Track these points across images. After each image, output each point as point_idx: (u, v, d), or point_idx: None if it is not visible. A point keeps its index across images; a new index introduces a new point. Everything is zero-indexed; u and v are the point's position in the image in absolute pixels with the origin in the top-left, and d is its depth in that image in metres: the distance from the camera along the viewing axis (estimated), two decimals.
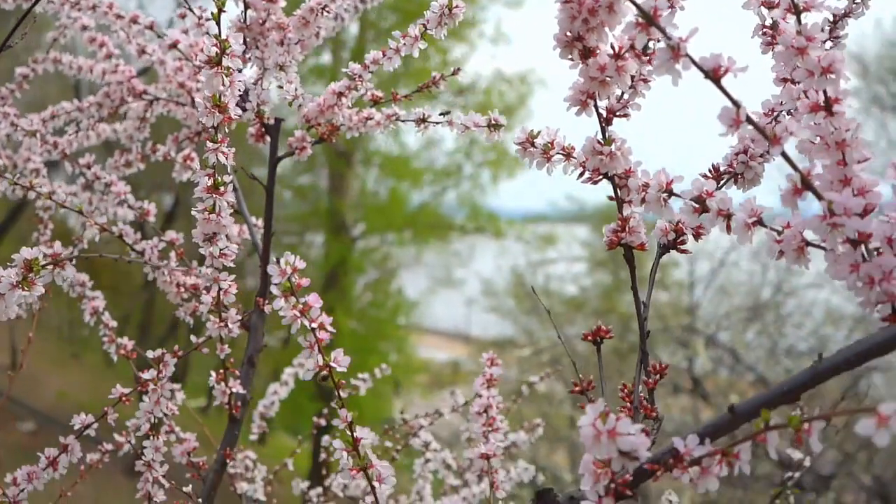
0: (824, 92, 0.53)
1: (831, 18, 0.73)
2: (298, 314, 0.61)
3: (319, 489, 1.34)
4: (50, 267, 0.65)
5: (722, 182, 0.68)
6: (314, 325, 0.61)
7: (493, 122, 0.84)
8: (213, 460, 1.01)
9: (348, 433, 0.64)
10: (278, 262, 0.60)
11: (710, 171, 0.68)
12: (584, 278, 10.18)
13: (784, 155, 0.51)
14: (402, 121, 0.96)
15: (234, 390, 0.96)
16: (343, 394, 0.64)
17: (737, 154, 0.68)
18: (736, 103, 0.50)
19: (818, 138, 0.54)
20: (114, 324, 1.09)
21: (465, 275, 11.61)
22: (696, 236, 0.67)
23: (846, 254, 0.51)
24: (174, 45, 1.02)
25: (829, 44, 0.72)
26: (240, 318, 0.90)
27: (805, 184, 0.51)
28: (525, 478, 1.38)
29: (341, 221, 10.62)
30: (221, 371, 0.95)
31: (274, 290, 0.61)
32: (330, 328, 0.62)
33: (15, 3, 1.16)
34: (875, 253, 0.51)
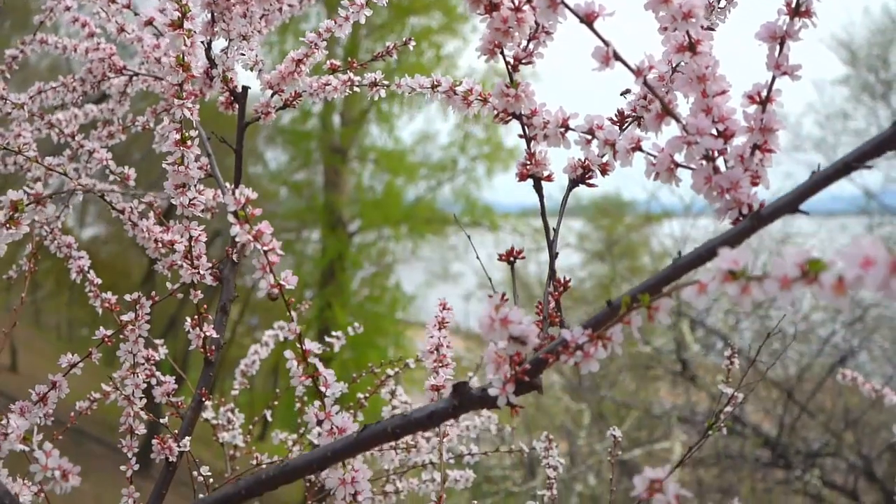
0: (687, 34, 0.62)
1: None
2: (252, 238, 0.70)
3: (295, 436, 1.44)
4: (33, 205, 0.75)
5: (626, 124, 0.77)
6: (266, 248, 0.71)
7: (434, 83, 0.93)
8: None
9: (298, 345, 0.73)
10: (233, 192, 0.69)
11: (615, 114, 0.77)
12: (579, 270, 10.29)
13: (646, 85, 0.60)
14: (358, 86, 1.06)
15: (207, 335, 1.05)
16: (293, 311, 0.74)
17: (639, 99, 0.77)
18: (606, 43, 0.59)
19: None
20: (98, 281, 1.18)
21: (462, 269, 11.69)
22: (603, 172, 0.76)
23: (702, 168, 0.60)
24: (149, 22, 1.11)
25: (723, 2, 0.81)
26: (210, 265, 1.00)
27: (666, 110, 0.60)
28: (492, 427, 1.48)
29: (338, 217, 10.70)
30: (196, 316, 1.04)
31: (230, 217, 0.70)
32: (280, 251, 0.71)
33: None
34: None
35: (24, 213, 0.73)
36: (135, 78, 1.29)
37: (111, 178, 1.19)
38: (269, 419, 1.48)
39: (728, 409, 1.14)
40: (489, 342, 0.61)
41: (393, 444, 1.19)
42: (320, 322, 9.99)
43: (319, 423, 0.73)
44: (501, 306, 0.59)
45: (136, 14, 1.18)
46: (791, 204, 0.56)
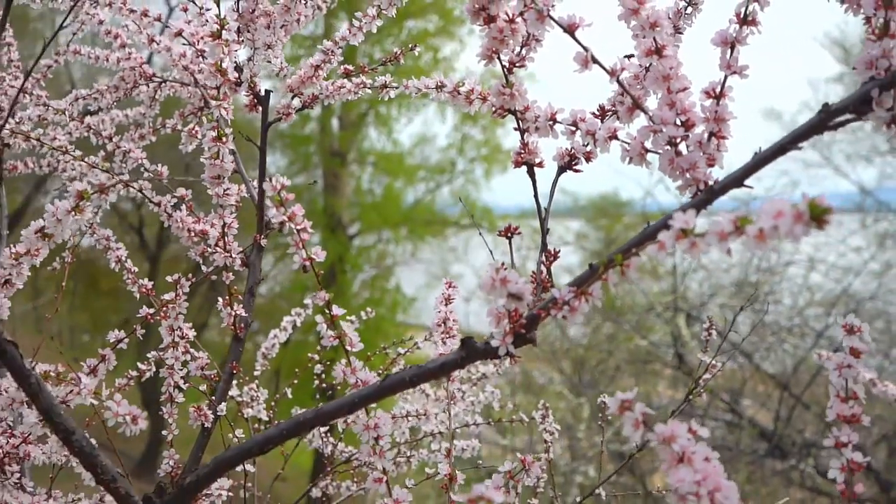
0: (654, 40, 0.74)
1: None
2: (287, 219, 0.82)
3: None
4: (97, 194, 0.86)
5: (606, 117, 0.89)
6: (299, 227, 0.83)
7: (439, 84, 1.05)
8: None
9: (327, 311, 0.85)
10: (270, 179, 0.81)
11: (597, 109, 0.89)
12: (578, 269, 10.40)
13: (619, 83, 0.72)
14: (370, 88, 1.18)
15: (238, 313, 1.17)
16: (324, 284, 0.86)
17: (616, 96, 0.89)
18: (585, 49, 0.71)
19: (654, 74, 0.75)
20: (135, 269, 1.30)
21: (462, 270, 11.79)
22: (587, 159, 0.88)
23: (667, 152, 0.72)
24: (179, 34, 1.23)
25: (689, 9, 0.93)
26: (241, 250, 1.12)
27: (635, 104, 0.72)
28: (494, 404, 1.60)
29: (337, 220, 10.82)
30: (228, 297, 1.16)
31: (268, 202, 0.82)
32: (310, 230, 0.83)
33: (42, 3, 1.37)
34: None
35: (90, 201, 0.85)
36: (163, 84, 1.41)
37: (145, 174, 1.31)
38: (290, 396, 1.60)
39: (707, 376, 1.25)
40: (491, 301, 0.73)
41: (406, 414, 1.31)
42: None
43: (345, 377, 0.85)
44: (501, 269, 0.71)
45: (165, 26, 1.30)
46: (737, 180, 0.68)
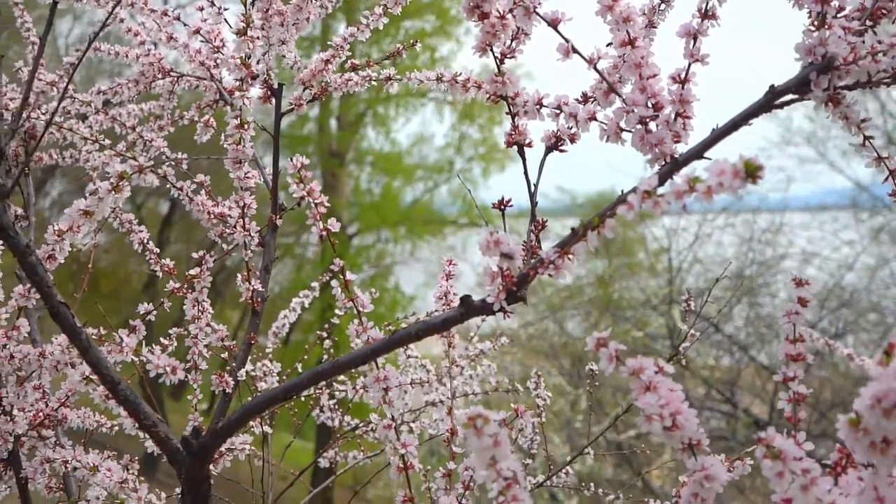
0: (627, 33, 0.85)
1: None
2: (306, 194, 0.93)
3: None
4: (136, 174, 0.97)
5: (588, 103, 0.99)
6: (316, 201, 0.93)
7: (439, 76, 1.15)
8: None
9: (341, 276, 0.96)
10: (291, 158, 0.92)
11: (581, 95, 1.00)
12: (576, 268, 10.50)
13: (596, 70, 0.82)
14: (374, 81, 1.28)
15: (255, 288, 1.28)
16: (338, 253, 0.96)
17: (597, 83, 0.99)
18: (566, 40, 0.82)
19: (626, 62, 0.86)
20: (157, 250, 1.40)
21: (461, 268, 11.89)
22: (571, 140, 0.98)
23: (638, 130, 0.83)
24: (197, 31, 1.33)
25: (663, 5, 1.04)
26: (259, 229, 1.22)
27: (610, 89, 0.83)
28: (491, 378, 1.71)
29: (336, 220, 10.93)
30: (245, 273, 1.27)
31: (289, 179, 0.92)
32: (326, 203, 0.94)
33: (68, 2, 1.47)
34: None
35: (130, 181, 0.95)
36: (180, 79, 1.51)
37: (166, 162, 1.42)
38: (300, 371, 1.71)
39: (686, 344, 1.36)
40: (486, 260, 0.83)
41: (410, 381, 1.41)
42: (322, 323, 10.22)
43: (357, 335, 0.96)
44: (495, 232, 0.81)
45: (185, 25, 1.40)
46: (698, 153, 0.78)
